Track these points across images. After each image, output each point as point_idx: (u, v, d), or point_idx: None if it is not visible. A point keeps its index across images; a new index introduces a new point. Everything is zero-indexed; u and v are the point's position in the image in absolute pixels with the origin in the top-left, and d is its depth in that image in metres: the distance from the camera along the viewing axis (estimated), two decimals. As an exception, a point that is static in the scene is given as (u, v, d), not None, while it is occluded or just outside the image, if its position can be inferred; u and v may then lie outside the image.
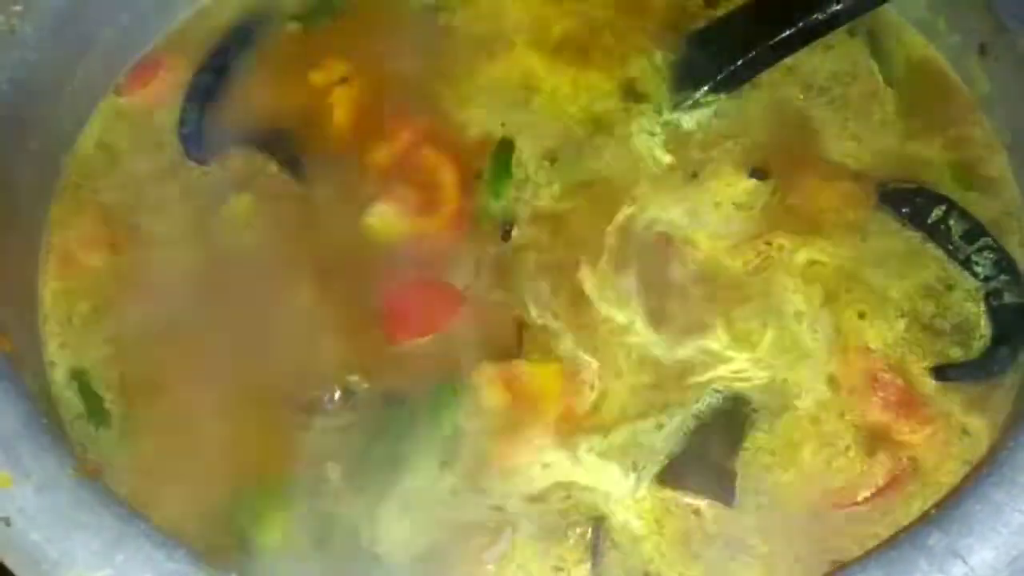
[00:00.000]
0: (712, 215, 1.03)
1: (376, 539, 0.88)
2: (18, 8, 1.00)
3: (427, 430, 0.92)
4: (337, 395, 0.93)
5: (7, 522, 0.75)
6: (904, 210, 1.02)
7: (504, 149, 1.06)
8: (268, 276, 1.00)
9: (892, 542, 0.76)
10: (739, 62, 1.07)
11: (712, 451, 0.90)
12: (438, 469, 0.91)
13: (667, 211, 1.03)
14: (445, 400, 0.93)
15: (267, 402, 0.93)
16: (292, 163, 1.05)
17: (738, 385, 0.94)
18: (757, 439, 0.91)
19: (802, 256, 1.00)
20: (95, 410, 0.95)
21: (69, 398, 0.96)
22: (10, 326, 0.90)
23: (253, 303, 0.98)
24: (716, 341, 0.96)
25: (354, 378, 0.94)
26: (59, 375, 0.97)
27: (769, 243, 1.01)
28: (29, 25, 1.00)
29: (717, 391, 0.93)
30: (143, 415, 0.94)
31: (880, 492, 0.89)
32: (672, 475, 0.90)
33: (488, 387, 0.93)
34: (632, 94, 1.10)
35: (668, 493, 0.90)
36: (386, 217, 1.02)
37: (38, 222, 1.03)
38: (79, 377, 0.96)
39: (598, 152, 1.06)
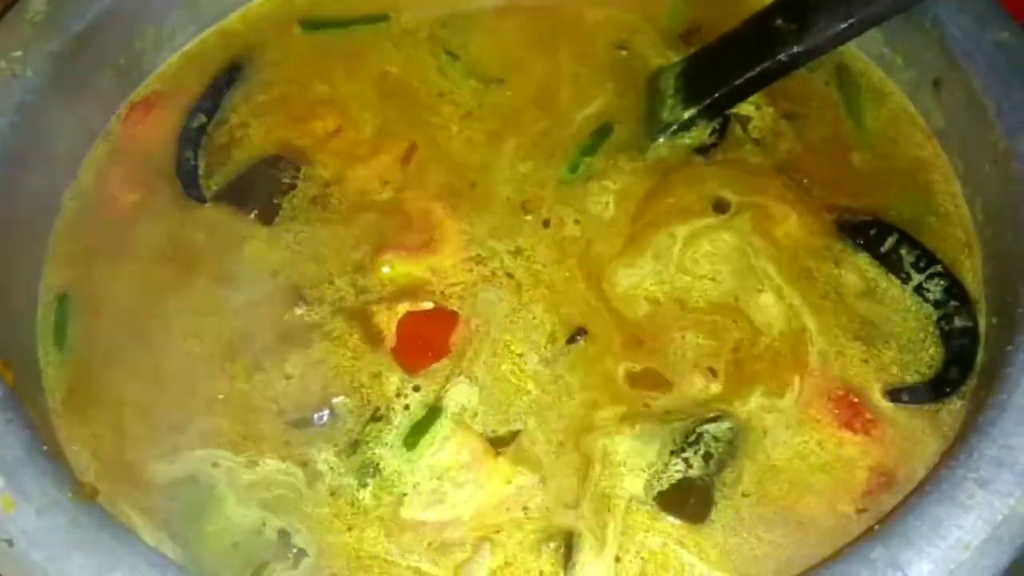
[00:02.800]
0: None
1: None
2: (18, 54, 1.04)
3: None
4: (327, 414, 0.98)
5: (10, 543, 0.80)
6: (859, 240, 1.07)
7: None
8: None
9: (838, 556, 0.81)
10: (716, 95, 1.12)
11: (693, 475, 0.94)
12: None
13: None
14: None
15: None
16: (268, 212, 1.09)
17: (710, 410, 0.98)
18: (737, 464, 0.96)
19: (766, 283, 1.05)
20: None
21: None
22: (12, 358, 0.94)
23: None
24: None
25: (340, 399, 0.98)
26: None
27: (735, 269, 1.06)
28: (30, 69, 1.04)
29: (706, 419, 0.97)
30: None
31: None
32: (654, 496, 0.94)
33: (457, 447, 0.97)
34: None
35: (645, 511, 0.94)
36: (396, 264, 1.06)
37: (37, 258, 1.06)
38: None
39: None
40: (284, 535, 0.92)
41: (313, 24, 1.23)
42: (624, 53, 1.21)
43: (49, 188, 1.08)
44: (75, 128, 1.11)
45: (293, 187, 1.10)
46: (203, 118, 1.14)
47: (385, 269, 1.05)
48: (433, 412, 0.97)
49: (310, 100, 1.16)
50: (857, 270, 1.06)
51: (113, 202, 1.10)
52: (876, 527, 0.82)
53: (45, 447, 0.86)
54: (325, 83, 1.18)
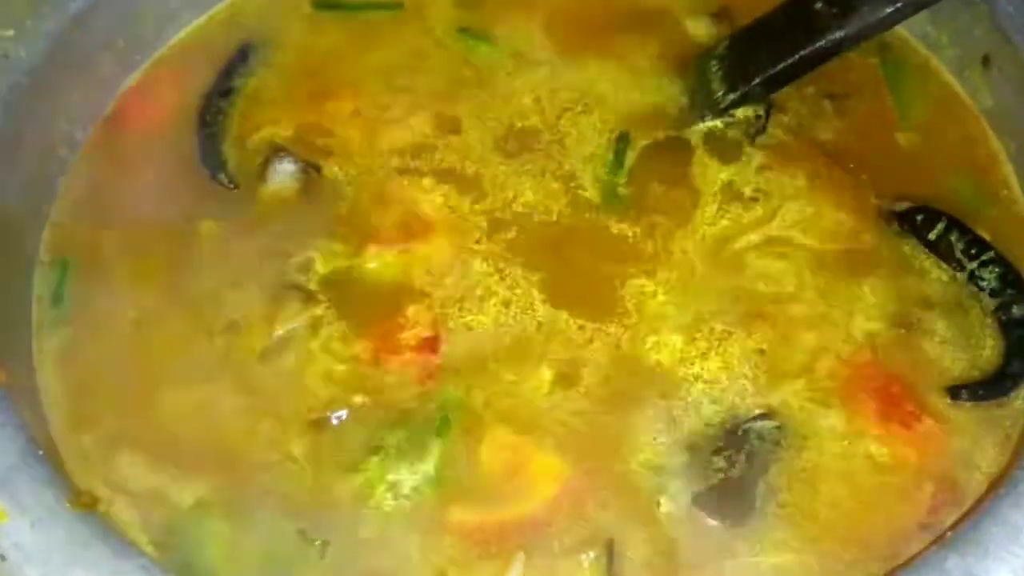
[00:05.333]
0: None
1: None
2: (9, 33, 1.00)
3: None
4: (344, 414, 0.93)
5: (2, 558, 0.75)
6: (906, 227, 1.02)
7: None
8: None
9: (908, 566, 0.75)
10: (756, 80, 1.07)
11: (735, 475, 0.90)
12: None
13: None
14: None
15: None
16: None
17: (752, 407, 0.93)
18: (781, 465, 0.90)
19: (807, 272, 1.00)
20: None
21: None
22: (4, 356, 0.89)
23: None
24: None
25: (359, 399, 0.93)
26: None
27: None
28: (23, 49, 1.00)
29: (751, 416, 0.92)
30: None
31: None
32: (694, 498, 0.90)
33: (493, 452, 0.92)
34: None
35: (686, 513, 0.89)
36: (382, 257, 1.01)
37: (32, 248, 1.02)
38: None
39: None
40: (303, 534, 0.87)
41: (324, 3, 1.17)
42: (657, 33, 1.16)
43: (44, 174, 1.04)
44: (72, 112, 1.06)
45: (310, 171, 1.06)
46: (220, 101, 1.10)
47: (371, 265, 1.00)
48: (450, 413, 0.93)
49: (326, 81, 1.11)
50: (904, 258, 1.01)
51: (115, 189, 1.05)
52: (948, 534, 0.77)
53: (41, 452, 0.81)
54: (341, 63, 1.13)
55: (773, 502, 0.88)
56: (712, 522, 0.88)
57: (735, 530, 0.87)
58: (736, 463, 0.89)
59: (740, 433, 0.90)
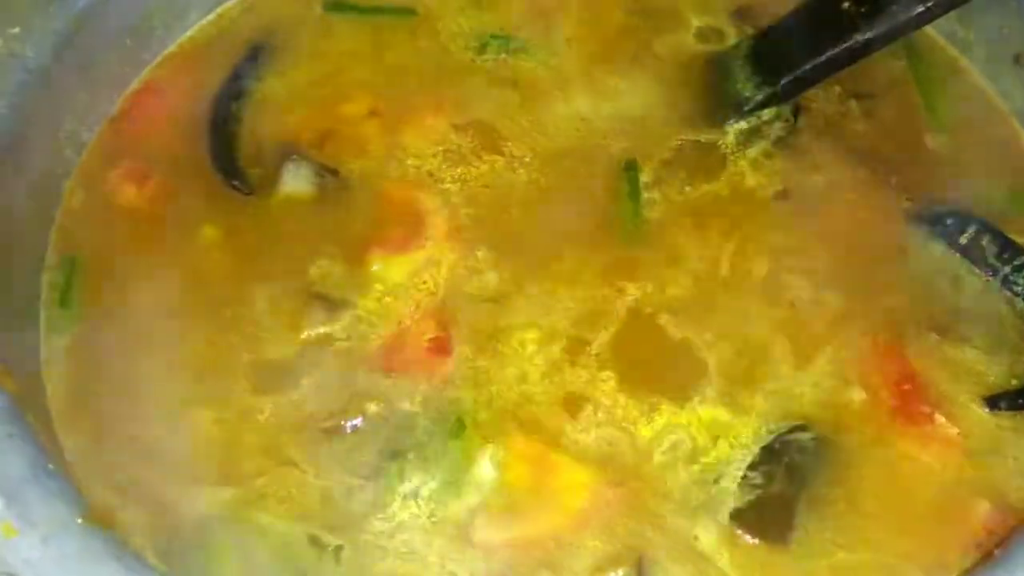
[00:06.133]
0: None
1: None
2: (16, 31, 0.98)
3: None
4: (359, 422, 0.90)
5: (13, 576, 0.72)
6: (936, 230, 1.00)
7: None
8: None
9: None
10: (783, 82, 1.04)
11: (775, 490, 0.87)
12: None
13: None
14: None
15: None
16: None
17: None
18: (822, 479, 0.88)
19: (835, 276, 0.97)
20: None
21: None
22: (12, 362, 0.87)
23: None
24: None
25: (373, 406, 0.91)
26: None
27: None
28: (29, 48, 0.98)
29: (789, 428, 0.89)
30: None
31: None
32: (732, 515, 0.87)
33: (513, 461, 0.89)
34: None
35: (721, 529, 0.86)
36: (386, 260, 0.99)
37: (39, 250, 1.00)
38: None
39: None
40: (315, 540, 0.86)
41: (335, 5, 1.14)
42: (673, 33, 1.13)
43: (51, 175, 1.01)
44: (79, 112, 1.04)
45: (326, 175, 1.03)
46: (231, 103, 1.07)
47: (375, 267, 0.98)
48: (464, 417, 0.91)
49: (341, 82, 1.09)
50: (935, 262, 0.99)
51: (122, 192, 1.02)
52: (996, 552, 0.74)
53: (51, 464, 0.78)
54: (356, 65, 1.10)
55: (815, 518, 0.86)
56: (751, 540, 0.85)
57: (775, 548, 0.84)
58: (775, 478, 0.86)
59: (777, 447, 0.88)
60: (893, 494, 0.87)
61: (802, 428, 0.88)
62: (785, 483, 0.86)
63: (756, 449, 0.88)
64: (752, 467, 0.87)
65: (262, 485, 0.88)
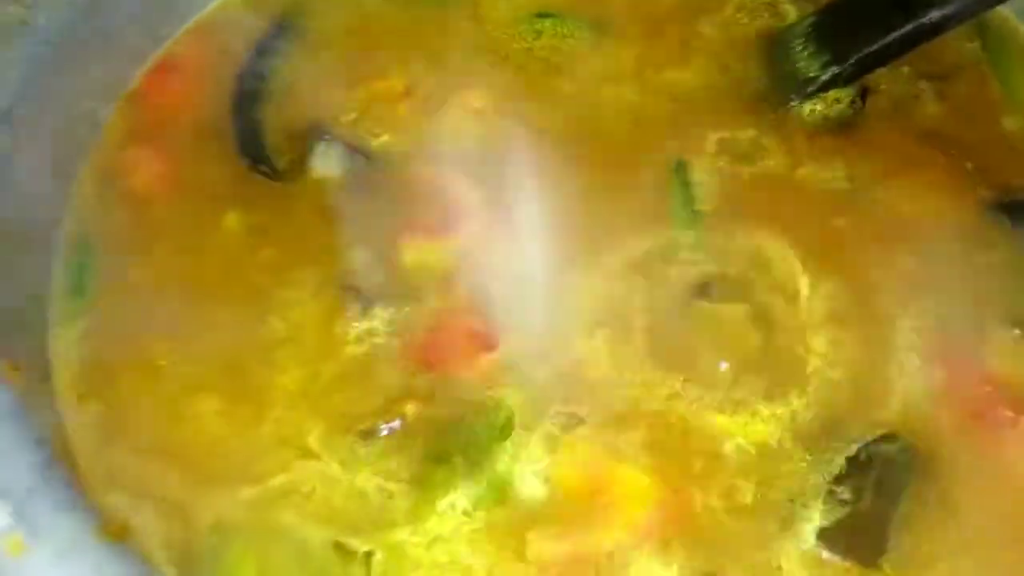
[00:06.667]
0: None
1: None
2: None
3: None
4: (397, 423, 0.86)
5: (23, 596, 0.68)
6: (1016, 220, 0.95)
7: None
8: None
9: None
10: (851, 60, 0.99)
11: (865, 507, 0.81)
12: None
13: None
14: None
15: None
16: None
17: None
18: (914, 494, 0.82)
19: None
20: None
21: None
22: (19, 357, 0.83)
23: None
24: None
25: (412, 407, 0.86)
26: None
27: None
28: (42, 16, 0.94)
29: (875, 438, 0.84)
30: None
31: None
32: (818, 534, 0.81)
33: (567, 466, 0.84)
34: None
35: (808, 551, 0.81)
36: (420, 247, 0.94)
37: (51, 236, 0.96)
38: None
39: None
40: (341, 545, 0.81)
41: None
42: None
43: (65, 156, 0.97)
44: (95, 89, 1.00)
45: (358, 157, 0.98)
46: (256, 81, 1.02)
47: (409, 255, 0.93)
48: (514, 415, 0.86)
49: (372, 60, 1.04)
50: (1016, 254, 0.93)
51: (140, 175, 0.98)
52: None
53: (61, 471, 0.74)
54: (388, 40, 1.05)
55: (909, 535, 0.80)
56: (839, 561, 0.79)
57: (866, 572, 0.79)
58: (864, 493, 0.81)
59: (864, 458, 0.82)
60: (995, 505, 0.82)
61: (890, 438, 0.83)
62: (875, 498, 0.81)
63: (840, 460, 0.82)
64: (838, 480, 0.82)
65: (284, 483, 0.84)
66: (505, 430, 0.84)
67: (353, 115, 1.00)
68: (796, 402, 0.85)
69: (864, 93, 1.00)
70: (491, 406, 0.85)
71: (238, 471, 0.84)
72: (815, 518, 0.81)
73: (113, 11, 1.00)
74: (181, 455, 0.85)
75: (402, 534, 0.81)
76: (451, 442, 0.84)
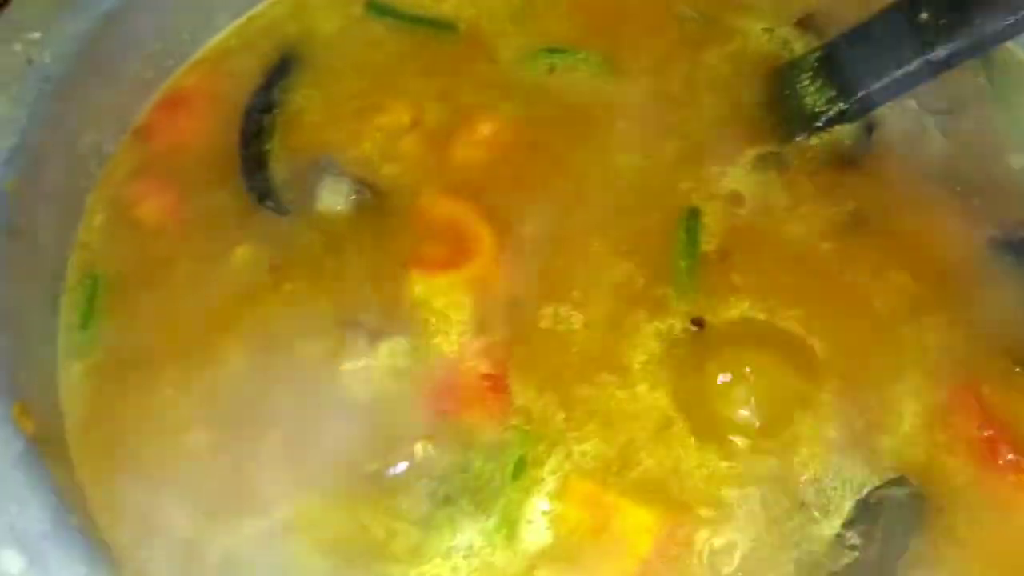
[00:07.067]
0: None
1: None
2: (35, 36, 0.94)
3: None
4: (405, 465, 0.85)
5: (34, 648, 0.67)
6: (1021, 258, 0.94)
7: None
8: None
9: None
10: (857, 95, 0.98)
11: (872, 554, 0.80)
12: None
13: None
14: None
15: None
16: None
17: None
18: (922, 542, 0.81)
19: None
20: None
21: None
22: (30, 399, 0.81)
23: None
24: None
25: (420, 448, 0.85)
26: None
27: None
28: (48, 54, 0.94)
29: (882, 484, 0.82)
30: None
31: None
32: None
33: (570, 503, 0.83)
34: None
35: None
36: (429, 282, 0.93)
37: (58, 271, 0.95)
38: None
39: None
40: None
41: (376, 7, 1.09)
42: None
43: (72, 189, 0.97)
44: (102, 122, 1.00)
45: (364, 191, 0.97)
46: (263, 114, 1.02)
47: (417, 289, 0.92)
48: (527, 456, 0.85)
49: (379, 92, 1.03)
50: (1020, 292, 0.92)
51: (147, 208, 0.98)
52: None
53: (74, 518, 0.73)
54: (394, 74, 1.04)
55: None
56: None
57: None
58: (872, 540, 0.79)
59: (873, 502, 0.80)
60: (1003, 551, 0.81)
61: (899, 482, 0.82)
62: (883, 546, 0.79)
63: (849, 503, 0.81)
64: (847, 525, 0.80)
65: (289, 517, 0.83)
66: (517, 472, 0.83)
67: (360, 148, 1.00)
68: (804, 450, 0.84)
69: (870, 127, 1.00)
70: (501, 447, 0.85)
71: (244, 504, 0.83)
72: (826, 564, 0.80)
73: (118, 45, 1.00)
74: (187, 488, 0.84)
75: (406, 570, 0.81)
76: (459, 483, 0.83)
